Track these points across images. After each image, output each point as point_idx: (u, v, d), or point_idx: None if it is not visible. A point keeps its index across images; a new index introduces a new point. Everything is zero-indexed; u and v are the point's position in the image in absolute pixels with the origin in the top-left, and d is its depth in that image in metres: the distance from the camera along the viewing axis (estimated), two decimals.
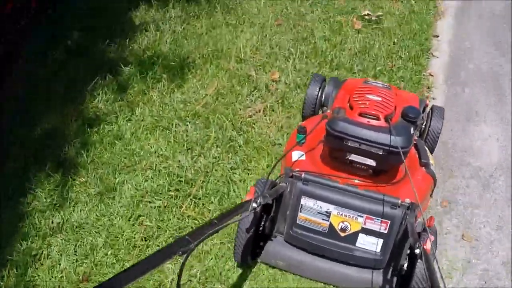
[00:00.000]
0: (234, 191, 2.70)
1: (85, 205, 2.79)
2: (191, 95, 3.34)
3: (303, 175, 1.89)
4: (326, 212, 1.88)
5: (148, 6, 4.27)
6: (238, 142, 2.97)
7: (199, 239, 1.29)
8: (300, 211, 1.92)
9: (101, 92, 3.46)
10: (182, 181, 2.81)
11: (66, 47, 3.97)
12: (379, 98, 1.94)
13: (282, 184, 1.90)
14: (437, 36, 4.01)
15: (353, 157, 1.89)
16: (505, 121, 3.34)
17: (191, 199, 2.72)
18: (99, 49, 3.87)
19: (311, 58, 3.56)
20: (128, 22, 4.14)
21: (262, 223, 1.99)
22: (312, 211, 1.91)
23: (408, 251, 1.82)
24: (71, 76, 3.68)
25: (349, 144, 1.83)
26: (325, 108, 2.49)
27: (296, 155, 2.05)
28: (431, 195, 2.19)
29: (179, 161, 2.91)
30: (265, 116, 3.15)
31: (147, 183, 2.84)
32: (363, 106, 1.90)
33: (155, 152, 3.01)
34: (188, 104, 3.28)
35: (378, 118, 1.86)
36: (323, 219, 1.90)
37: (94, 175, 2.94)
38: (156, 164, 2.92)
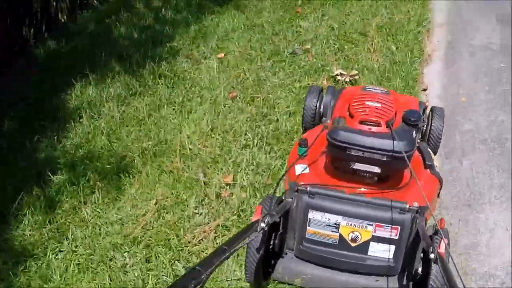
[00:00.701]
0: None
1: None
2: (129, 212, 2.82)
3: (308, 188, 1.89)
4: (335, 223, 1.90)
5: (85, 83, 3.74)
6: None
7: (211, 268, 1.27)
8: (309, 225, 1.93)
9: (27, 212, 2.94)
10: None
11: None
12: (379, 104, 1.96)
13: (288, 199, 1.91)
14: (425, 90, 3.44)
15: (357, 165, 1.90)
16: None
17: None
18: (29, 149, 3.36)
19: (273, 144, 3.02)
20: (62, 107, 3.63)
21: (272, 241, 1.99)
22: (320, 224, 1.92)
23: (422, 255, 1.82)
24: None
25: (352, 153, 1.84)
26: (324, 118, 2.47)
27: (299, 168, 2.07)
28: (438, 196, 2.22)
29: None
30: (216, 237, 2.61)
31: None
32: (363, 113, 1.92)
33: None
34: (126, 225, 2.76)
35: (379, 125, 1.87)
36: (332, 231, 1.91)
37: None
38: None
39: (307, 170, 2.07)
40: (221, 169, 2.92)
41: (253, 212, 2.66)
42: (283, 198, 1.97)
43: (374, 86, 2.30)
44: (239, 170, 2.90)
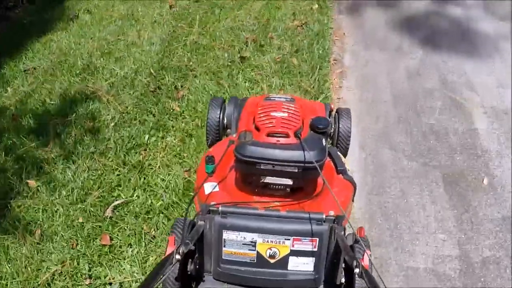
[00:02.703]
0: None
1: None
2: None
3: (220, 208, 1.91)
4: (251, 242, 1.92)
5: None
6: None
7: None
8: (224, 246, 1.95)
9: None
10: None
11: None
12: (285, 114, 2.03)
13: (200, 222, 1.90)
14: None
15: (268, 179, 1.95)
16: None
17: None
18: None
19: None
20: None
21: (188, 266, 1.91)
22: (236, 243, 1.94)
23: (343, 265, 1.82)
24: None
25: (262, 167, 1.89)
26: (229, 130, 2.51)
27: (209, 187, 2.09)
28: (352, 200, 2.22)
29: None
30: None
31: None
32: (270, 125, 1.97)
33: None
34: None
35: (287, 135, 1.93)
36: (249, 250, 1.94)
37: None
38: None
39: (217, 189, 2.09)
40: None
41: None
42: (196, 221, 1.93)
43: (278, 94, 2.34)
44: None
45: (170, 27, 4.79)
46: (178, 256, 1.50)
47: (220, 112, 2.52)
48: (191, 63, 4.23)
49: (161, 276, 1.41)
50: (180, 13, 5.05)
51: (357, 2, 5.61)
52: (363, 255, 1.80)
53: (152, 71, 4.13)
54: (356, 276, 1.50)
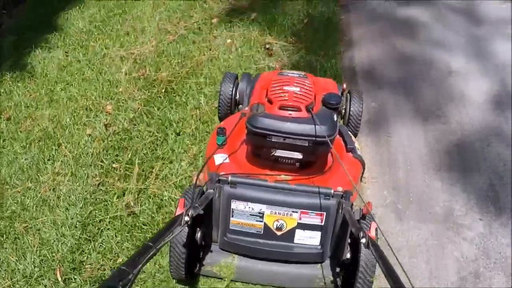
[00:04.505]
0: None
1: None
2: None
3: (229, 178, 1.99)
4: (259, 213, 2.00)
5: None
6: None
7: (138, 268, 1.32)
8: (232, 216, 2.03)
9: None
10: None
11: None
12: (298, 89, 2.12)
13: (209, 191, 1.99)
14: None
15: (279, 152, 2.05)
16: None
17: None
18: None
19: None
20: None
21: (196, 234, 2.06)
22: (244, 214, 2.02)
23: (349, 241, 1.97)
24: None
25: (272, 140, 2.00)
26: (240, 106, 2.64)
27: (219, 158, 2.16)
28: (361, 179, 2.34)
29: None
30: None
31: None
32: (282, 99, 2.06)
33: None
34: None
35: (299, 109, 2.03)
36: (257, 221, 2.02)
37: None
38: None
39: (227, 160, 2.17)
40: None
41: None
42: (205, 189, 2.03)
43: (291, 70, 2.40)
44: None
45: (97, 173, 3.29)
46: (186, 218, 1.62)
47: (233, 87, 2.66)
48: (119, 261, 2.72)
49: (169, 235, 1.51)
50: (118, 139, 3.53)
51: (385, 112, 3.98)
52: (370, 227, 1.93)
53: (60, 277, 2.68)
54: (363, 247, 1.63)
